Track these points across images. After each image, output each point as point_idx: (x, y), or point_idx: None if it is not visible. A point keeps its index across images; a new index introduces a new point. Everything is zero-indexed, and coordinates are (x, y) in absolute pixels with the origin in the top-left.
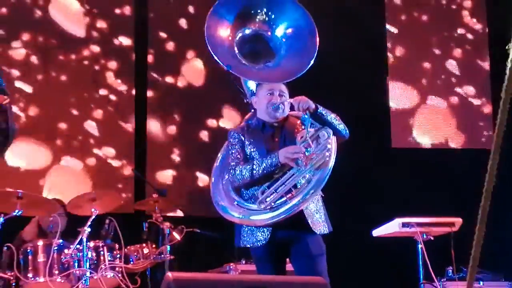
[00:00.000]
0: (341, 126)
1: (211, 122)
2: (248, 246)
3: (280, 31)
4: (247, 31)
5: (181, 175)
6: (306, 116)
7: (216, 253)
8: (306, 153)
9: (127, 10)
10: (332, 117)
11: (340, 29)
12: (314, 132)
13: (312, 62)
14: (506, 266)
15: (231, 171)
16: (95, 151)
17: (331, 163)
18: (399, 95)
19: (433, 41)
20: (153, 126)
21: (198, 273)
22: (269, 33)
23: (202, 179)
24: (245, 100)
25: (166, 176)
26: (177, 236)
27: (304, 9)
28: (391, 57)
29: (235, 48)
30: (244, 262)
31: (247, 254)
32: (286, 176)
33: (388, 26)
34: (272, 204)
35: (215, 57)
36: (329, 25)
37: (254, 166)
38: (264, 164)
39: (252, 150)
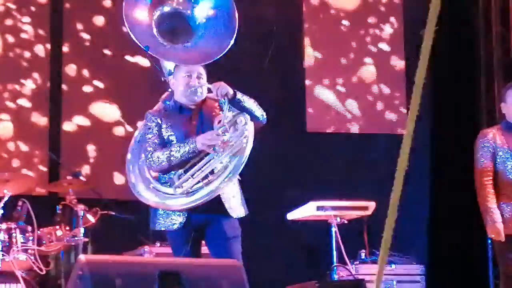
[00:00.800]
0: (259, 112)
1: (126, 117)
2: (163, 229)
3: (200, 10)
4: (166, 9)
5: (97, 167)
6: (224, 101)
7: (131, 236)
8: (224, 139)
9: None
10: (250, 103)
11: (258, 12)
12: (231, 117)
13: (231, 44)
14: (418, 249)
15: (148, 156)
16: (9, 145)
17: (248, 149)
18: (316, 87)
19: (350, 39)
20: (68, 119)
21: (112, 255)
22: (189, 12)
23: (118, 174)
24: (162, 79)
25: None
26: (91, 218)
27: None
28: (309, 54)
29: (153, 27)
30: (159, 244)
31: (162, 237)
32: (203, 162)
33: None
34: (189, 189)
35: (133, 38)
36: (246, 8)
37: (172, 153)
38: (182, 151)
39: (169, 134)
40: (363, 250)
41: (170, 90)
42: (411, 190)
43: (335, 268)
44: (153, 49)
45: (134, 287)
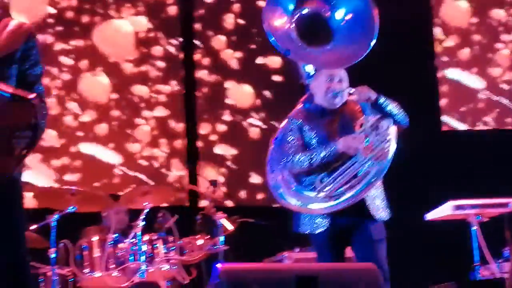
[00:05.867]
0: (401, 115)
1: (259, 121)
2: (307, 232)
3: (340, 13)
4: (305, 11)
5: (234, 171)
6: (366, 105)
7: (271, 242)
8: (365, 143)
9: (172, 10)
10: (392, 106)
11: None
12: (374, 121)
13: (370, 47)
14: None
15: (290, 158)
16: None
17: (391, 154)
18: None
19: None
20: (203, 126)
21: (248, 263)
22: (328, 14)
23: (255, 175)
24: (300, 82)
25: (218, 172)
26: (230, 226)
27: None
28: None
29: (293, 30)
30: (298, 250)
31: (302, 242)
32: (345, 166)
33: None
34: (331, 193)
35: (273, 43)
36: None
37: (313, 155)
38: (323, 153)
39: (311, 136)
40: (507, 248)
41: (308, 92)
42: None
43: (478, 267)
44: (293, 53)
45: None
